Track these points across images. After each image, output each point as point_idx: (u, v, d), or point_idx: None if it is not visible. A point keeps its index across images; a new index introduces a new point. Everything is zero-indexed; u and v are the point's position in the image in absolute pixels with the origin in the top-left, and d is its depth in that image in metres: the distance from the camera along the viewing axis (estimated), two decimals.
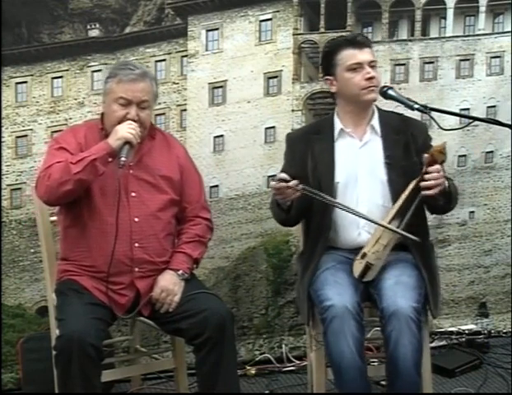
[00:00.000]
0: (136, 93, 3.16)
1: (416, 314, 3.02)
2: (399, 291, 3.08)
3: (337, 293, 3.08)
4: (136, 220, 3.20)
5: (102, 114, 3.30)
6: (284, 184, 3.03)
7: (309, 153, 3.31)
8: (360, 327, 3.06)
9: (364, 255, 3.16)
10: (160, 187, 3.27)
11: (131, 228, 3.19)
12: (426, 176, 3.05)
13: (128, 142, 3.10)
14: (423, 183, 3.06)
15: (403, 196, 3.14)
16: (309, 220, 3.36)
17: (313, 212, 3.29)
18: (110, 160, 3.10)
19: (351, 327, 3.03)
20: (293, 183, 3.03)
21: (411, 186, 3.12)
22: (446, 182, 3.10)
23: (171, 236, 3.33)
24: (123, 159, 3.07)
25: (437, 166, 3.05)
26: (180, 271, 3.27)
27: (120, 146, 3.09)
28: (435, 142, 3.25)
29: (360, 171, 3.29)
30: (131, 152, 3.13)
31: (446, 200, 3.16)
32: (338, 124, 3.33)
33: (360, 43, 3.25)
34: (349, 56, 3.25)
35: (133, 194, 3.22)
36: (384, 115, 3.35)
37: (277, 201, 3.15)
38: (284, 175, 3.04)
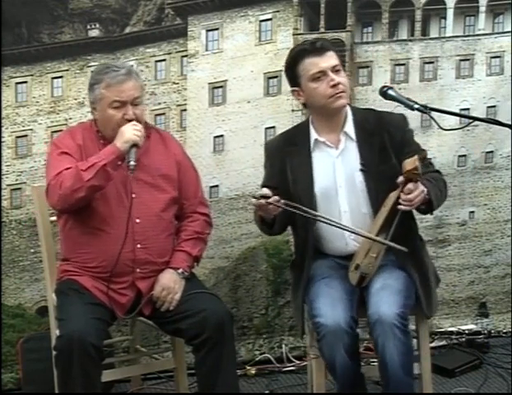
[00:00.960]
0: (128, 92, 3.16)
1: (400, 320, 3.01)
2: (384, 296, 3.06)
3: (331, 308, 3.05)
4: (137, 221, 3.21)
5: (94, 119, 3.29)
6: (264, 201, 2.99)
7: (288, 166, 3.26)
8: (352, 337, 3.07)
9: (357, 267, 3.15)
10: (160, 186, 3.28)
11: (133, 229, 3.19)
12: (403, 196, 3.01)
13: (135, 144, 3.12)
14: (401, 202, 3.02)
15: (386, 210, 3.10)
16: (295, 232, 3.35)
17: (297, 225, 3.28)
18: (120, 163, 3.11)
19: (345, 341, 3.04)
20: (273, 199, 2.98)
21: (392, 200, 3.08)
22: (425, 190, 3.04)
23: (172, 236, 3.34)
24: (132, 162, 3.09)
25: (410, 186, 2.99)
26: (180, 270, 3.27)
27: (128, 149, 3.10)
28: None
29: (339, 181, 3.22)
30: (137, 154, 3.14)
31: (428, 207, 3.12)
32: (313, 134, 3.26)
33: (320, 48, 3.14)
34: (311, 65, 3.14)
35: (134, 195, 3.21)
36: (360, 116, 3.26)
37: (260, 216, 3.13)
38: (265, 191, 2.99)
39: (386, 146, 3.20)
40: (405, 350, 3.02)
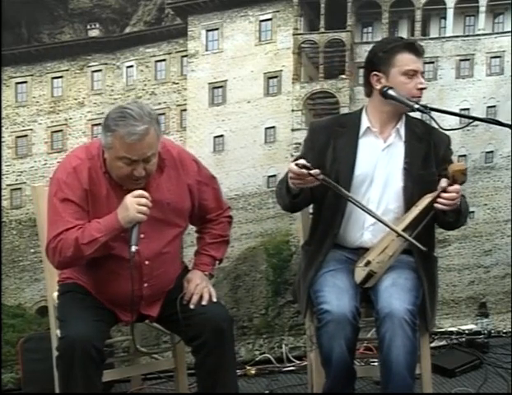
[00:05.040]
0: (141, 151, 2.92)
1: (411, 316, 3.02)
2: (395, 293, 3.08)
3: (336, 297, 3.07)
4: (146, 263, 3.13)
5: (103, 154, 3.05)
6: (305, 171, 3.02)
7: (331, 145, 3.29)
8: (354, 329, 3.07)
9: (368, 263, 3.16)
10: (169, 221, 3.16)
11: (141, 270, 3.12)
12: (445, 195, 3.07)
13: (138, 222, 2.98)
14: (439, 200, 3.07)
15: (417, 210, 3.14)
16: (320, 213, 3.34)
17: (325, 206, 3.28)
18: (122, 234, 2.99)
19: (346, 332, 3.04)
20: (315, 171, 3.01)
21: (427, 200, 3.12)
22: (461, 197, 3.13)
23: (178, 257, 3.31)
24: (133, 249, 2.95)
25: (457, 187, 3.07)
26: (206, 273, 3.28)
27: (131, 227, 2.96)
28: None
29: (378, 173, 3.27)
30: (139, 230, 2.98)
31: (456, 218, 3.18)
32: (365, 122, 3.31)
33: (418, 50, 3.25)
34: (408, 60, 3.23)
35: (142, 236, 3.07)
36: (410, 121, 3.34)
37: (288, 184, 3.13)
38: (306, 162, 3.01)
39: (430, 154, 3.27)
40: (412, 349, 3.02)
